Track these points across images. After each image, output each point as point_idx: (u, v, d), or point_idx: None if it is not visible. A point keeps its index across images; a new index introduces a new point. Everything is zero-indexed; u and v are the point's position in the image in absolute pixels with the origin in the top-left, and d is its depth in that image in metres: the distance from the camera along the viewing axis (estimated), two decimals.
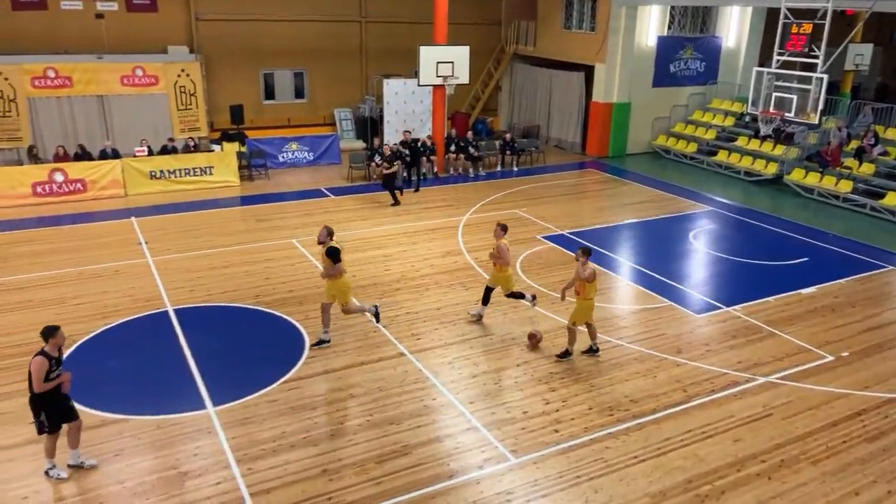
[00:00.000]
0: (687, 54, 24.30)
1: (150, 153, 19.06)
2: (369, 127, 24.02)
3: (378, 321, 10.77)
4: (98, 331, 10.67)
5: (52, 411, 7.18)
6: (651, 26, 23.33)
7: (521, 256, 14.16)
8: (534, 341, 10.44)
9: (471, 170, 21.27)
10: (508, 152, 22.02)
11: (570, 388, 9.40)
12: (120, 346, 10.28)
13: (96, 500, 7.09)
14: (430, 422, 8.58)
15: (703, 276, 13.63)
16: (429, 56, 20.06)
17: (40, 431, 7.24)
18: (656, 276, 13.41)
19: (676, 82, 24.52)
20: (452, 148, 21.29)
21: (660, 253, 14.74)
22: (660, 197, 19.10)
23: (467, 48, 20.63)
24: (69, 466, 7.54)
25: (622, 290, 12.91)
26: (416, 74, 20.62)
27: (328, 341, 10.36)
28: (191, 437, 8.15)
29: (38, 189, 17.22)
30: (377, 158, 20.35)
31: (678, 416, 8.80)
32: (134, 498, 7.14)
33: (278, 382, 9.36)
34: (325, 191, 19.12)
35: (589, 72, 23.86)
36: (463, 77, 20.74)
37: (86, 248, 14.22)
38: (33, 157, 18.86)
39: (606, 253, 14.53)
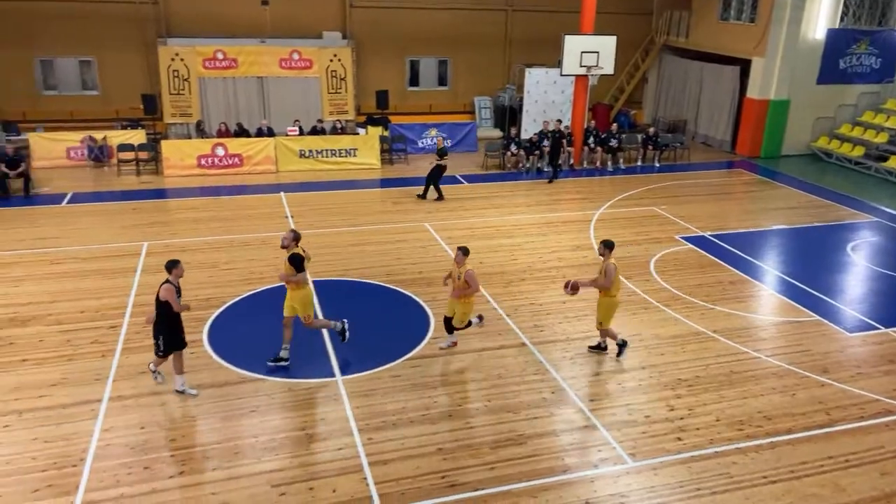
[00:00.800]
0: (861, 49, 22.12)
1: (301, 133, 20.23)
2: (507, 116, 24.02)
3: (344, 339, 9.62)
4: (243, 295, 11.53)
5: (169, 337, 8.33)
6: (821, 17, 21.44)
7: (655, 257, 13.63)
8: (573, 290, 9.65)
9: (609, 163, 20.71)
10: (650, 147, 21.22)
11: (698, 396, 8.97)
12: (262, 311, 11.04)
13: (232, 450, 7.69)
14: (548, 414, 8.51)
15: (860, 293, 12.44)
16: (573, 45, 19.70)
17: (157, 354, 8.42)
18: (805, 287, 12.42)
19: (846, 79, 22.41)
20: (591, 140, 20.83)
21: (811, 263, 13.63)
22: (816, 203, 17.62)
23: (614, 38, 20.05)
24: (176, 392, 8.54)
25: (765, 299, 12.09)
26: (558, 64, 20.33)
27: (287, 360, 9.28)
28: (319, 403, 8.62)
29: (202, 161, 18.81)
30: (513, 147, 20.34)
31: (818, 440, 8.14)
32: (265, 452, 7.68)
33: (402, 359, 9.67)
34: (460, 178, 19.38)
35: (745, 66, 22.37)
36: (607, 67, 20.20)
37: (239, 218, 15.37)
38: (200, 132, 20.60)
39: (750, 259, 13.64)
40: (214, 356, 9.58)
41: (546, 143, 19.98)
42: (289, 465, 7.49)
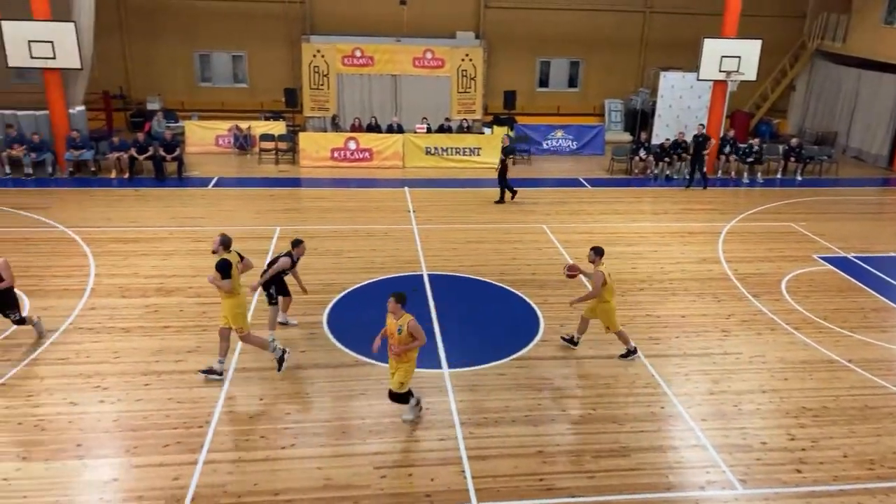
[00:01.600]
0: None
1: (429, 131, 20.73)
2: (639, 120, 23.33)
3: (280, 369, 9.03)
4: (363, 283, 12.01)
5: (277, 287, 9.88)
6: None
7: (788, 276, 12.77)
8: (571, 271, 9.70)
9: (745, 174, 19.59)
10: (793, 159, 19.85)
11: (824, 428, 8.33)
12: (378, 300, 11.40)
13: (340, 429, 8.06)
14: (655, 429, 8.23)
15: None
16: (713, 49, 18.84)
17: (269, 302, 9.86)
18: None
19: None
20: (727, 149, 19.80)
21: None
22: None
23: (759, 42, 18.95)
24: (279, 324, 10.08)
25: None
26: (696, 68, 19.49)
27: (220, 374, 8.83)
28: (424, 392, 8.82)
29: (335, 154, 19.75)
30: (641, 153, 19.75)
31: None
32: (370, 434, 7.98)
33: (510, 358, 9.70)
34: (583, 181, 19.08)
35: None
36: (749, 73, 19.14)
37: (364, 210, 16.01)
38: (335, 125, 21.64)
39: None
40: (332, 338, 10.07)
41: (680, 150, 19.23)
42: (391, 449, 7.75)
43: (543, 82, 25.04)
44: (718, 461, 7.68)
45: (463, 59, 22.60)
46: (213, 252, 8.72)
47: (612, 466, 7.55)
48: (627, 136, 23.43)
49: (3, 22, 16.68)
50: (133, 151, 17.82)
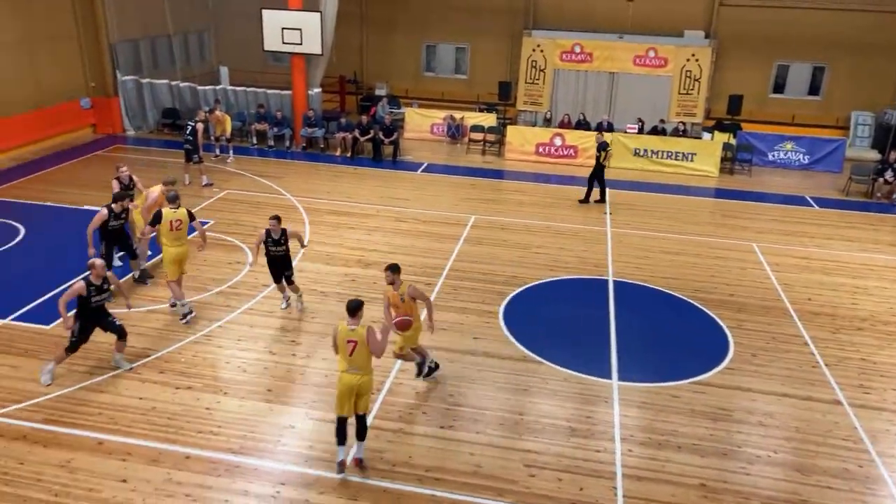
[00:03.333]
0: None
1: (640, 131, 19.93)
2: (892, 137, 20.35)
3: (184, 319, 9.96)
4: (545, 279, 11.96)
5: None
6: None
7: None
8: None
9: None
10: None
11: None
12: (557, 298, 11.36)
13: (497, 420, 8.14)
14: (847, 489, 7.24)
15: None
16: None
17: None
18: None
19: None
20: None
21: None
22: None
23: None
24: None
25: None
26: None
27: (188, 313, 10.05)
28: (589, 400, 8.61)
29: (540, 149, 19.79)
30: (888, 174, 17.27)
31: None
32: (526, 431, 7.98)
33: (687, 381, 9.09)
34: (810, 199, 17.15)
35: None
36: None
37: (559, 207, 15.88)
38: (545, 121, 21.66)
39: None
40: (505, 330, 10.19)
41: None
42: (545, 450, 7.67)
43: (779, 88, 22.80)
44: None
45: (688, 59, 21.38)
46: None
47: None
48: (874, 155, 20.55)
49: (263, 11, 18.98)
50: (356, 133, 19.39)
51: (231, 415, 8.06)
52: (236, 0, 23.06)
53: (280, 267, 10.20)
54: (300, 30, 18.79)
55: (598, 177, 16.08)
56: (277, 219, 10.01)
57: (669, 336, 10.28)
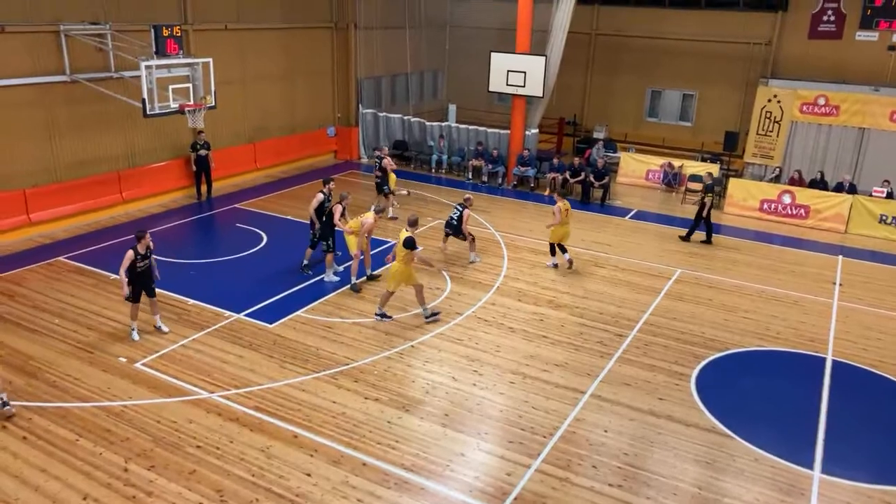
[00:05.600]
0: None
1: (889, 196, 17.60)
2: None
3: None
4: (749, 348, 11.02)
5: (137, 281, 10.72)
6: None
7: None
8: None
9: None
10: None
11: None
12: (761, 370, 10.40)
13: (672, 489, 7.65)
14: None
15: None
16: None
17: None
18: None
19: None
20: None
21: None
22: None
23: None
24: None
25: None
26: None
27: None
28: (781, 488, 7.76)
29: (765, 206, 18.32)
30: None
31: None
32: (670, 497, 7.42)
33: None
34: None
35: None
36: None
37: (778, 271, 14.53)
38: (775, 178, 19.99)
39: None
40: (695, 395, 9.56)
41: None
42: None
43: None
44: None
45: None
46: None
47: None
48: None
49: (492, 53, 20.00)
50: (567, 174, 19.52)
51: (409, 432, 8.52)
52: (471, 42, 24.59)
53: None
54: (524, 72, 19.48)
55: (703, 218, 15.79)
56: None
57: (893, 432, 8.91)
